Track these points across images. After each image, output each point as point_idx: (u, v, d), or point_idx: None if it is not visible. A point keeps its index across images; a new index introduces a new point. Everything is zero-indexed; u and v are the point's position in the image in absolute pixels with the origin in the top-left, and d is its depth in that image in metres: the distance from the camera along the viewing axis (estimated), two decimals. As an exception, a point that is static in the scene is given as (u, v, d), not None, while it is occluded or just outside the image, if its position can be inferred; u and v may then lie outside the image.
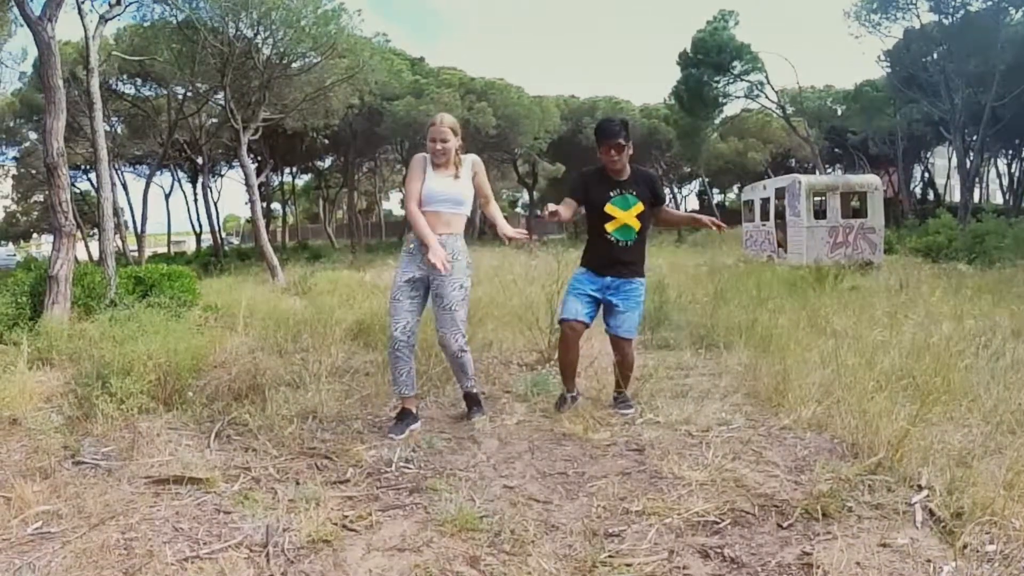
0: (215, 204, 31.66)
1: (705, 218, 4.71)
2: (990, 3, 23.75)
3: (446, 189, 4.26)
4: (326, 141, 33.01)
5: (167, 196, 36.11)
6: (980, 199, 34.91)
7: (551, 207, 4.33)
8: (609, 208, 4.47)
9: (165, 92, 23.59)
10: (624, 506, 3.08)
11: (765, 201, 17.91)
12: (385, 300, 7.92)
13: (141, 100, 25.40)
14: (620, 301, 4.48)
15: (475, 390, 4.58)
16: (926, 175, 41.56)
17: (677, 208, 47.20)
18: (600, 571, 2.52)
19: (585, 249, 4.69)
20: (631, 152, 4.47)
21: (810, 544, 2.67)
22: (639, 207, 4.48)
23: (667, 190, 48.96)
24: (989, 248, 15.17)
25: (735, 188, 48.55)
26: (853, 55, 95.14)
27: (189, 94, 22.23)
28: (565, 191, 4.73)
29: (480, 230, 39.72)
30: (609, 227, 4.48)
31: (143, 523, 3.02)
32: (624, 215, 4.46)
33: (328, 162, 40.36)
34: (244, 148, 17.70)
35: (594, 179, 4.58)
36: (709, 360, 5.94)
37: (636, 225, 4.49)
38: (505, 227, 4.48)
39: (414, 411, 4.38)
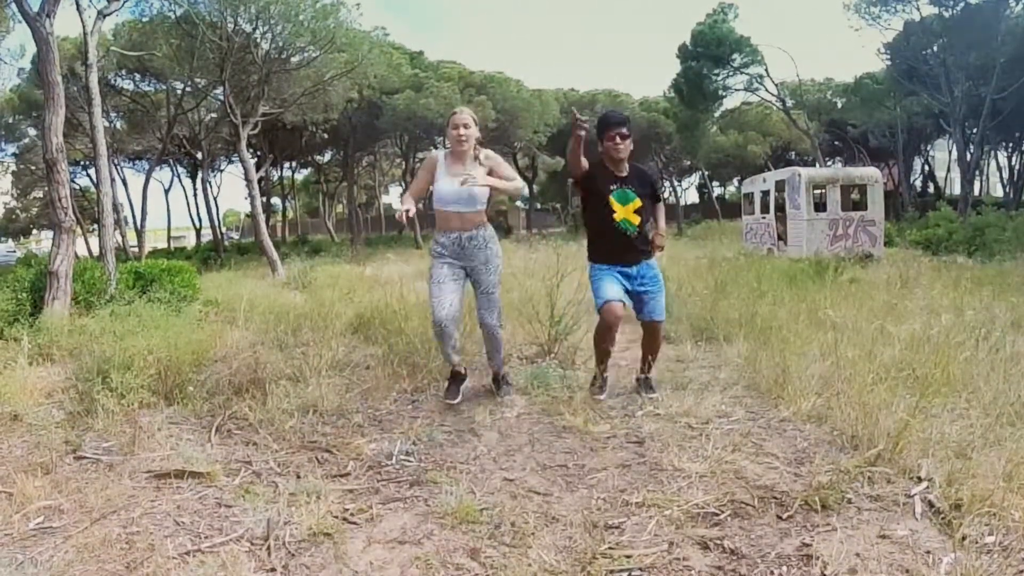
0: (215, 199, 31.65)
1: (656, 238, 4.73)
2: (990, -5, 23.69)
3: (459, 190, 4.33)
4: (325, 135, 32.97)
5: (167, 191, 36.38)
6: (980, 192, 34.79)
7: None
8: (611, 201, 4.53)
9: (164, 87, 23.49)
10: (624, 498, 3.09)
11: (765, 194, 17.89)
12: (386, 294, 7.95)
13: (140, 95, 25.30)
14: (649, 288, 4.58)
15: (501, 369, 4.93)
16: (926, 168, 41.48)
17: (677, 202, 47.31)
18: (600, 563, 2.53)
19: (591, 242, 4.70)
20: (632, 148, 4.50)
21: (810, 535, 2.68)
22: (637, 203, 4.53)
23: (667, 183, 48.96)
24: (989, 241, 15.15)
25: (735, 181, 48.52)
26: (853, 48, 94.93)
27: (188, 89, 22.15)
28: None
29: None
30: (617, 216, 4.53)
31: (144, 517, 3.03)
32: (623, 210, 4.51)
33: (328, 156, 40.26)
34: (243, 143, 17.69)
35: (598, 170, 4.60)
36: (709, 353, 5.95)
37: (635, 220, 4.54)
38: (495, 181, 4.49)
39: (463, 372, 4.78)
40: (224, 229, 41.87)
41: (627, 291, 4.58)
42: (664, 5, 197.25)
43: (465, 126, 4.39)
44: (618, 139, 4.46)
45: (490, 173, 4.45)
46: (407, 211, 4.29)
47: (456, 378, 4.72)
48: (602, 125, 4.55)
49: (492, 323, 4.60)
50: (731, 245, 19.44)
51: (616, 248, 4.58)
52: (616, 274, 4.56)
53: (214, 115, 25.71)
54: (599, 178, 4.57)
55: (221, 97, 19.15)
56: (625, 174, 4.56)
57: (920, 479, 3.09)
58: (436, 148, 23.26)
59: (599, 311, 4.54)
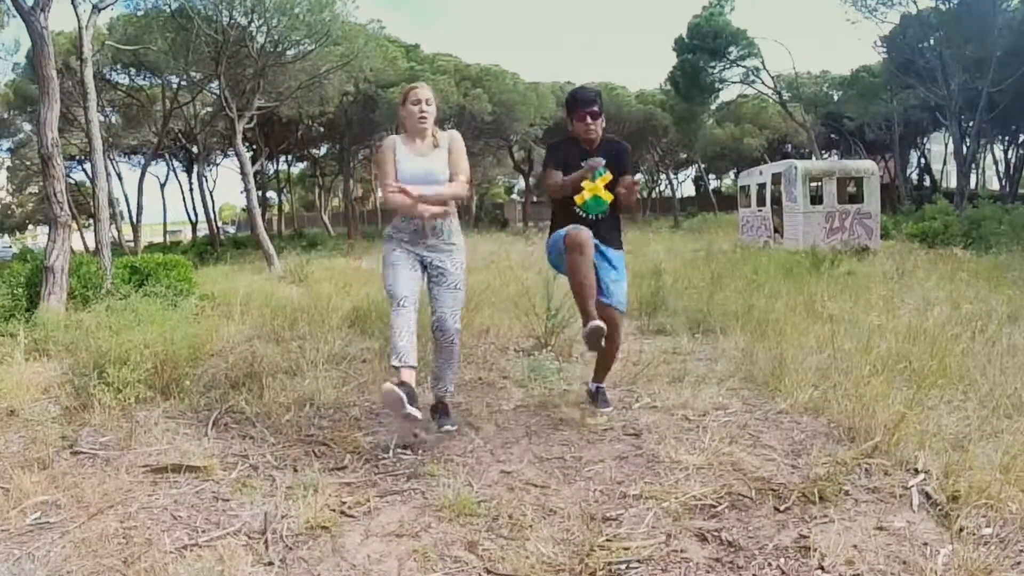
0: (211, 193, 31.51)
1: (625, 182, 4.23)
2: (987, -12, 23.64)
3: (420, 167, 3.95)
4: (321, 129, 32.96)
5: (162, 186, 35.99)
6: (976, 185, 34.80)
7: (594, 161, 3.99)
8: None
9: (159, 81, 23.45)
10: (621, 490, 3.09)
11: (761, 187, 17.90)
12: (382, 287, 7.95)
13: (135, 90, 25.26)
14: (613, 269, 4.21)
15: (449, 396, 4.17)
16: (922, 161, 41.50)
17: (674, 194, 47.29)
18: (598, 555, 2.53)
19: (554, 223, 4.33)
20: (604, 124, 4.26)
21: (807, 527, 2.68)
22: (608, 177, 4.19)
23: (663, 176, 48.91)
24: (985, 234, 15.16)
25: (731, 174, 48.52)
26: (849, 41, 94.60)
27: (183, 83, 22.12)
28: (549, 164, 4.32)
29: (476, 217, 39.70)
30: (578, 199, 4.19)
31: (141, 512, 3.02)
32: (593, 186, 4.18)
33: (323, 150, 40.21)
34: (239, 137, 17.65)
35: (565, 147, 4.31)
36: (706, 345, 5.95)
37: (607, 197, 4.20)
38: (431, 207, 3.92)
39: (413, 384, 3.66)
40: (220, 223, 41.72)
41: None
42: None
43: (427, 102, 3.96)
44: (589, 119, 4.17)
45: (449, 156, 4.03)
46: (402, 190, 3.79)
47: (405, 389, 3.55)
48: (572, 104, 4.26)
49: (453, 327, 3.92)
50: (727, 238, 19.49)
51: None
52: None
53: (210, 109, 25.69)
54: (569, 157, 4.20)
55: (217, 91, 19.09)
56: (595, 148, 4.22)
57: (917, 471, 3.09)
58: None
59: (563, 243, 4.00)
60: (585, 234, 3.96)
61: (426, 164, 3.97)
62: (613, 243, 4.30)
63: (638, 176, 4.34)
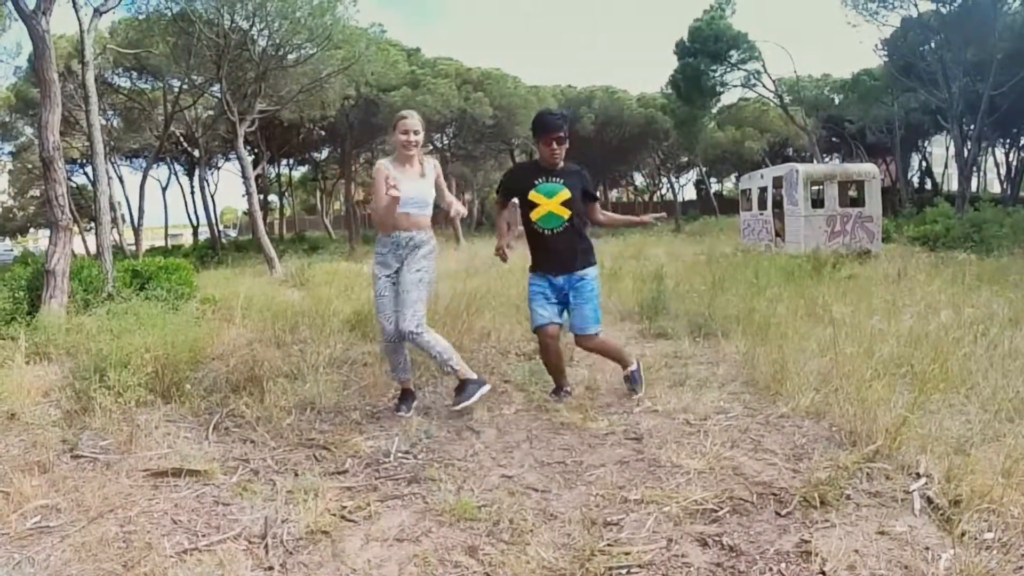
0: (212, 197, 31.54)
1: (647, 217, 4.85)
2: (988, -9, 23.63)
3: (412, 191, 4.30)
4: (323, 133, 32.98)
5: (164, 189, 36.23)
6: (978, 188, 34.81)
7: (505, 249, 4.67)
8: (532, 195, 4.41)
9: (161, 85, 23.49)
10: (622, 495, 3.08)
11: (763, 190, 17.90)
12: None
13: (137, 93, 25.31)
14: (574, 299, 4.46)
15: (460, 373, 4.34)
16: (924, 164, 41.53)
17: (675, 198, 47.30)
18: (599, 560, 2.52)
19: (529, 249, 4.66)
20: (567, 146, 4.42)
21: (808, 532, 2.68)
22: (564, 194, 4.39)
23: (664, 180, 48.93)
24: (987, 237, 15.17)
25: (732, 177, 48.60)
26: (850, 44, 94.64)
27: (185, 87, 22.15)
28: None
29: (478, 221, 39.70)
30: (534, 215, 4.42)
31: (142, 516, 3.02)
32: (548, 202, 4.39)
33: (325, 153, 40.26)
34: (240, 140, 17.68)
35: (522, 171, 4.60)
36: (707, 349, 5.94)
37: (563, 213, 4.39)
38: (455, 206, 4.56)
39: (413, 390, 4.67)
40: (221, 227, 41.75)
41: (561, 302, 4.49)
42: (663, 1, 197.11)
43: (415, 132, 4.35)
44: (555, 144, 4.33)
45: (436, 180, 4.47)
46: (393, 189, 4.14)
47: (406, 396, 4.56)
48: (539, 128, 4.39)
49: (406, 329, 4.21)
50: (729, 241, 19.50)
51: (540, 252, 4.50)
52: (545, 290, 4.46)
53: (211, 112, 25.74)
54: (524, 178, 4.49)
55: (218, 94, 19.13)
56: (555, 169, 4.44)
57: (919, 475, 3.08)
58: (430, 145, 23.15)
59: (534, 330, 4.55)
60: (552, 332, 4.45)
61: (416, 188, 4.35)
62: (576, 263, 4.49)
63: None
